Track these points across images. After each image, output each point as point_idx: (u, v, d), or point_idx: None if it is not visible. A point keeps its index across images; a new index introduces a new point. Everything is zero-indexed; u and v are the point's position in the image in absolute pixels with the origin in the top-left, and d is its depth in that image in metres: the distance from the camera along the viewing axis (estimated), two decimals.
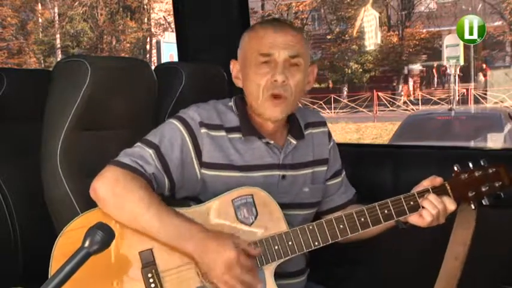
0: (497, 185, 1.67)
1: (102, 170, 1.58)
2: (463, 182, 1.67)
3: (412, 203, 1.64)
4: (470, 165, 1.68)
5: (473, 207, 1.68)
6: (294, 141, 1.74)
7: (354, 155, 2.37)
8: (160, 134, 1.64)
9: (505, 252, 2.12)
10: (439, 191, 1.65)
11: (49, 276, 1.43)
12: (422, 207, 1.64)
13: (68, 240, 1.51)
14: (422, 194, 1.65)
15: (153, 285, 1.51)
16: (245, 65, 1.69)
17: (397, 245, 1.95)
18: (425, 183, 1.68)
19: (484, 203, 1.68)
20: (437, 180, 1.67)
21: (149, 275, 1.51)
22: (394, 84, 22.67)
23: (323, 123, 1.86)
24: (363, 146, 4.94)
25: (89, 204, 1.59)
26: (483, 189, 1.67)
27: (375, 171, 2.37)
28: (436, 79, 22.92)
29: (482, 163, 1.68)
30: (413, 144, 6.58)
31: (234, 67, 1.75)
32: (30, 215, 1.90)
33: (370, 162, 2.45)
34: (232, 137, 1.68)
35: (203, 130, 1.65)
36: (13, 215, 1.87)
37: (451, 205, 1.64)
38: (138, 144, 1.64)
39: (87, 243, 1.18)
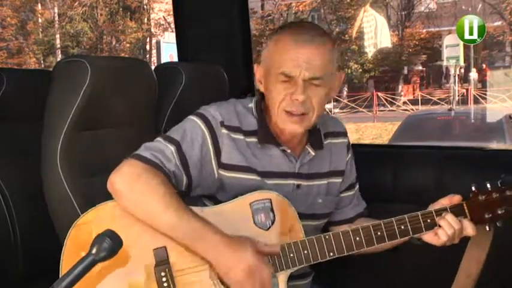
0: None
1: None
2: (480, 203, 1.65)
3: (429, 220, 1.63)
4: (488, 186, 1.66)
5: (487, 229, 1.67)
6: (312, 152, 1.71)
7: (354, 155, 2.37)
8: (182, 131, 1.62)
9: (505, 254, 2.12)
10: (456, 210, 1.64)
11: (60, 269, 1.44)
12: (439, 226, 1.62)
13: (80, 232, 1.50)
14: (440, 212, 1.63)
15: (165, 284, 1.50)
16: (267, 73, 1.65)
17: (404, 254, 1.95)
18: (443, 202, 1.66)
19: (498, 224, 1.67)
20: (455, 199, 1.65)
21: (162, 274, 1.50)
22: (394, 84, 22.68)
23: (344, 134, 1.83)
24: (363, 146, 4.93)
25: (89, 204, 1.58)
26: (499, 212, 1.65)
27: (374, 172, 2.37)
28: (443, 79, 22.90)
29: (499, 184, 1.67)
30: (413, 145, 6.57)
31: (258, 71, 1.70)
32: (30, 215, 1.90)
33: (370, 162, 2.44)
34: (250, 140, 1.66)
35: (224, 130, 1.63)
36: (13, 215, 1.87)
37: (469, 229, 1.62)
38: (159, 139, 1.61)
39: (94, 250, 1.18)
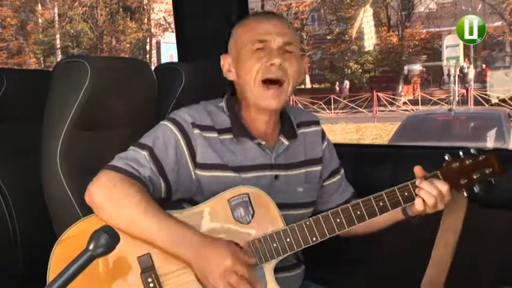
0: (487, 171, 1.68)
1: (97, 174, 1.57)
2: (455, 170, 1.67)
3: (406, 193, 1.64)
4: (461, 153, 1.69)
5: (465, 194, 1.69)
6: (286, 142, 1.73)
7: (354, 156, 2.37)
8: (154, 136, 1.63)
9: (504, 252, 2.12)
10: (431, 179, 1.66)
11: (47, 283, 1.44)
12: (418, 196, 1.63)
13: (65, 248, 1.51)
14: (415, 182, 1.65)
15: None
16: (239, 56, 1.68)
17: (394, 243, 1.96)
18: (418, 174, 1.67)
19: (475, 190, 1.68)
20: (421, 173, 1.67)
21: (149, 280, 1.51)
22: (394, 84, 22.68)
23: (316, 123, 1.84)
24: (363, 146, 4.94)
25: (88, 204, 1.59)
26: (474, 177, 1.68)
27: (374, 172, 2.37)
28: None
29: (472, 151, 1.70)
30: (413, 145, 6.58)
31: (225, 61, 1.74)
32: (30, 215, 1.90)
33: (370, 162, 2.45)
34: (223, 138, 1.67)
35: (196, 131, 1.64)
36: (13, 215, 1.87)
37: (443, 186, 1.63)
38: (132, 147, 1.63)
39: (91, 246, 1.18)
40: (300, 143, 1.78)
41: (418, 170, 1.66)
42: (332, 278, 2.05)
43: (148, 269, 1.52)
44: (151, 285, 1.51)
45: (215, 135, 1.67)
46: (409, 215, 1.69)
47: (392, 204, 1.64)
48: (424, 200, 1.62)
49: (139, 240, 1.52)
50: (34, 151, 1.83)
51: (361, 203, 1.63)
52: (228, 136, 1.68)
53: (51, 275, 1.50)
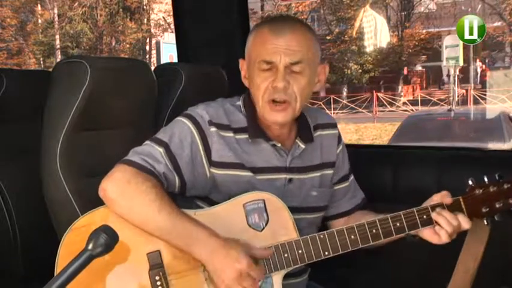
0: (511, 201, 1.64)
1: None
2: (478, 197, 1.64)
3: (425, 216, 1.62)
4: (486, 179, 1.65)
5: (485, 223, 1.66)
6: (302, 145, 1.71)
7: (354, 156, 2.37)
8: (170, 132, 1.63)
9: (505, 252, 2.12)
10: (453, 206, 1.63)
11: (54, 275, 1.44)
12: (437, 224, 1.61)
13: (74, 238, 1.50)
14: (435, 207, 1.62)
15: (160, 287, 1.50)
16: (249, 68, 1.67)
17: (401, 249, 1.95)
18: (435, 198, 1.65)
19: (496, 218, 1.66)
20: (449, 199, 1.63)
21: (157, 278, 1.50)
22: (394, 84, 22.69)
23: (333, 125, 1.83)
24: (363, 146, 4.94)
25: (88, 204, 1.59)
26: (497, 206, 1.64)
27: (374, 172, 2.37)
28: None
29: (497, 177, 1.65)
30: (413, 145, 6.58)
31: (243, 67, 1.73)
32: (30, 215, 1.90)
33: (369, 163, 2.45)
34: (239, 137, 1.66)
35: (212, 129, 1.64)
36: (13, 216, 1.87)
37: (465, 224, 1.61)
38: (148, 142, 1.62)
39: (90, 246, 1.18)
40: (317, 145, 1.76)
41: (437, 195, 1.63)
42: (335, 281, 2.05)
43: (156, 266, 1.51)
44: (158, 283, 1.50)
45: (231, 134, 1.66)
46: (411, 234, 1.66)
47: (410, 226, 1.61)
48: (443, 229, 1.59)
49: (151, 236, 1.51)
50: (34, 151, 1.83)
51: (377, 222, 1.61)
52: (243, 136, 1.67)
53: (59, 263, 1.49)
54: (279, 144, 1.68)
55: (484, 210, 1.64)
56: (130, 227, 1.51)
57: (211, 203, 1.64)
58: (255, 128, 1.67)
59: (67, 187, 1.77)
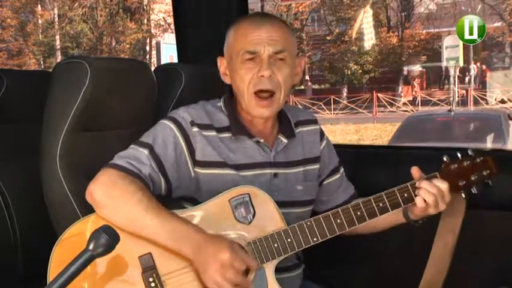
0: (485, 173, 1.70)
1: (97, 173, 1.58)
2: (453, 171, 1.68)
3: (406, 194, 1.65)
4: (459, 155, 1.70)
5: (463, 196, 1.71)
6: (284, 140, 1.74)
7: (354, 156, 2.37)
8: (153, 134, 1.65)
9: (504, 252, 2.13)
10: (430, 180, 1.67)
11: (47, 282, 1.44)
12: (419, 196, 1.64)
13: (65, 248, 1.51)
14: (415, 184, 1.65)
15: None
16: (231, 62, 1.70)
17: (393, 244, 1.96)
18: (415, 175, 1.68)
19: (473, 191, 1.70)
20: (419, 174, 1.67)
21: (150, 279, 1.51)
22: (394, 85, 22.69)
23: (313, 121, 1.85)
24: (363, 147, 4.94)
25: (89, 205, 1.59)
26: (472, 178, 1.69)
27: (374, 173, 2.37)
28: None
29: (470, 153, 1.71)
30: (413, 146, 6.58)
31: (222, 64, 1.76)
32: (30, 216, 1.90)
33: (369, 163, 2.45)
34: (222, 136, 1.69)
35: (195, 129, 1.66)
36: (13, 216, 1.87)
37: (442, 184, 1.63)
38: (132, 146, 1.64)
39: (91, 246, 1.18)
40: (298, 141, 1.79)
41: (415, 170, 1.67)
42: (332, 278, 2.05)
43: (149, 268, 1.52)
44: (153, 284, 1.51)
45: (214, 133, 1.68)
46: (411, 219, 1.70)
47: (392, 205, 1.65)
48: (424, 200, 1.62)
49: (141, 240, 1.52)
50: (34, 152, 1.83)
51: (361, 204, 1.64)
52: (226, 134, 1.69)
53: (51, 275, 1.50)
54: (262, 140, 1.71)
55: (460, 183, 1.69)
56: (121, 232, 1.50)
57: (197, 203, 1.64)
58: (237, 126, 1.70)
59: (67, 187, 1.77)
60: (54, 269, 1.50)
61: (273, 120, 1.75)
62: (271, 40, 1.64)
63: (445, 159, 1.69)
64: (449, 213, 1.77)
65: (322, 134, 1.86)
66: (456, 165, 1.69)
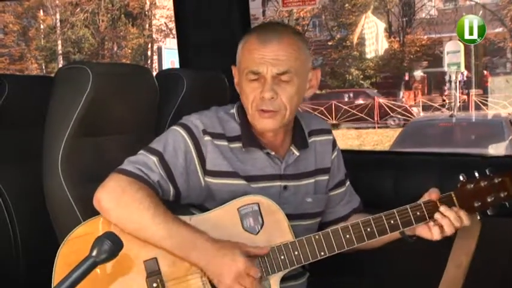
0: (502, 195, 1.64)
1: (105, 178, 1.57)
2: (469, 192, 1.64)
3: (418, 213, 1.62)
4: (476, 174, 1.65)
5: (478, 217, 1.66)
6: (296, 152, 1.71)
7: (355, 162, 2.36)
8: (164, 141, 1.63)
9: (505, 252, 2.12)
10: (445, 201, 1.63)
11: (52, 286, 1.44)
12: (431, 219, 1.61)
13: (71, 248, 1.51)
14: (428, 203, 1.63)
15: None
16: (239, 76, 1.68)
17: (399, 256, 1.94)
18: (426, 196, 1.65)
19: (489, 213, 1.65)
20: (438, 194, 1.64)
21: (154, 285, 1.50)
22: (395, 90, 22.68)
23: (327, 131, 1.83)
24: (364, 152, 4.94)
25: (90, 210, 1.59)
26: (489, 200, 1.64)
27: (376, 178, 2.37)
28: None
29: (488, 172, 1.66)
30: (414, 151, 6.57)
31: (235, 73, 1.73)
32: (31, 220, 1.90)
33: (371, 168, 2.45)
34: (233, 146, 1.67)
35: (207, 138, 1.64)
36: (14, 221, 1.87)
37: (466, 220, 1.60)
38: (142, 151, 1.63)
39: (94, 252, 1.18)
40: (311, 152, 1.76)
41: (434, 193, 1.63)
42: (336, 286, 2.04)
43: (154, 273, 1.51)
44: None
45: (225, 143, 1.66)
46: (406, 234, 1.66)
47: (404, 223, 1.62)
48: (440, 225, 1.60)
49: (146, 244, 1.52)
50: (36, 157, 1.83)
51: (372, 220, 1.61)
52: (237, 145, 1.67)
53: (56, 275, 1.50)
54: (273, 153, 1.68)
55: (476, 204, 1.64)
56: (126, 235, 1.50)
57: (205, 210, 1.63)
58: (249, 137, 1.68)
59: (69, 192, 1.77)
60: (59, 268, 1.50)
61: (285, 131, 1.71)
62: (275, 60, 1.59)
63: (461, 178, 1.65)
64: (464, 236, 1.73)
65: (334, 144, 1.83)
66: (472, 186, 1.64)
